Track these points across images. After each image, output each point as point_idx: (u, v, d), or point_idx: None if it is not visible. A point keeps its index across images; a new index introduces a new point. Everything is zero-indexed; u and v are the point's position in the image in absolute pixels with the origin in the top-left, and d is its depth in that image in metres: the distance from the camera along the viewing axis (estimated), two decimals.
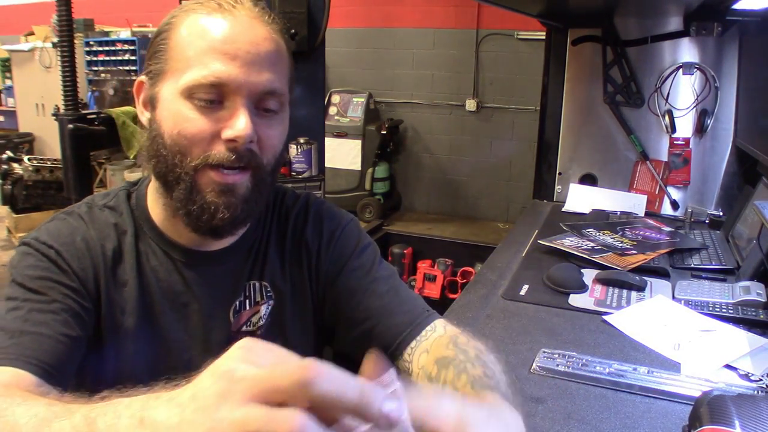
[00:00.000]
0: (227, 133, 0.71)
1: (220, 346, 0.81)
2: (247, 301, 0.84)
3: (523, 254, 1.65)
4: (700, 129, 2.07)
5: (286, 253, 0.87)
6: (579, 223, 1.83)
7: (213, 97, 0.71)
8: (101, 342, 0.78)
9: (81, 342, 0.73)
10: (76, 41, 2.11)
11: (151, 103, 0.76)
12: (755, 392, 0.96)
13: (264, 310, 0.84)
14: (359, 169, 4.74)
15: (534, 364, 1.04)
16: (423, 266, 2.66)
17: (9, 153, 4.34)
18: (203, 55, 0.71)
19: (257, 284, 0.85)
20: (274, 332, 0.85)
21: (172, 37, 0.73)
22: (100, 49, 5.12)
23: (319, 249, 0.88)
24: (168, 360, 0.80)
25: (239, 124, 0.70)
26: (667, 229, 1.81)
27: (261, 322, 0.84)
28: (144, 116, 0.78)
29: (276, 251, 0.87)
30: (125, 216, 0.82)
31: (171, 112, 0.73)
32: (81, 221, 0.80)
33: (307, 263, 0.87)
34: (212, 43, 0.71)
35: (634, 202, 2.10)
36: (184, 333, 0.81)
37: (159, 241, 0.81)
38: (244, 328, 0.83)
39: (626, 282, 1.39)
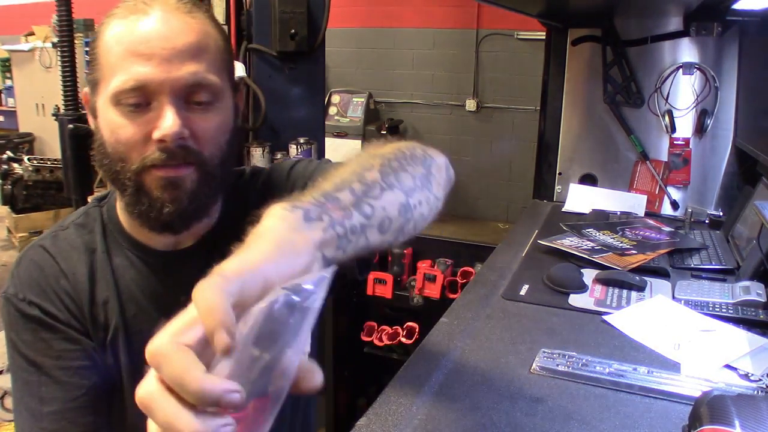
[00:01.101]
0: (155, 134, 0.71)
1: None
2: None
3: (523, 254, 1.65)
4: (700, 129, 2.07)
5: (247, 229, 0.88)
6: (579, 223, 1.83)
7: (139, 101, 0.71)
8: (102, 348, 0.79)
9: (98, 383, 0.77)
10: (76, 41, 2.10)
11: (93, 113, 0.77)
12: (755, 392, 0.96)
13: None
14: None
15: (534, 364, 1.04)
16: (423, 266, 2.65)
17: (9, 153, 4.34)
18: (122, 60, 0.71)
19: None
20: None
21: (99, 45, 0.74)
22: None
23: (265, 203, 0.89)
24: None
25: (165, 122, 0.70)
26: (667, 229, 1.81)
27: None
28: (93, 126, 0.78)
29: (240, 230, 0.88)
30: (95, 232, 0.82)
31: (106, 120, 0.73)
32: (47, 256, 0.80)
33: None
34: (128, 46, 0.71)
35: (634, 202, 2.10)
36: None
37: (133, 249, 0.82)
38: None
39: (626, 282, 1.39)
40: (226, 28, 2.19)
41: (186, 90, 0.72)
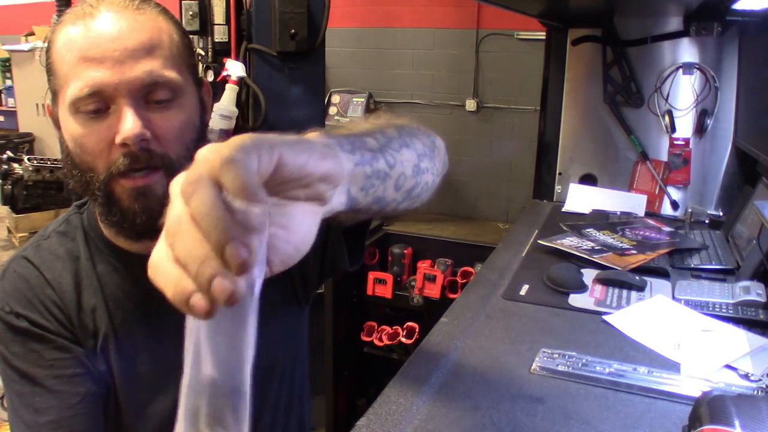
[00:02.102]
0: (117, 139, 0.69)
1: None
2: None
3: (523, 254, 1.65)
4: (700, 129, 2.07)
5: None
6: (579, 223, 1.83)
7: (97, 107, 0.69)
8: (97, 347, 0.79)
9: (94, 389, 0.77)
10: None
11: (56, 125, 0.76)
12: (755, 392, 0.96)
13: None
14: None
15: (534, 364, 1.04)
16: (423, 266, 2.65)
17: (9, 153, 4.34)
18: (75, 68, 0.69)
19: None
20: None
21: (52, 54, 0.73)
22: None
23: None
24: (157, 366, 0.79)
25: (124, 126, 0.68)
26: (667, 229, 1.81)
27: None
28: (59, 137, 0.77)
29: None
30: (78, 239, 0.81)
31: (68, 132, 0.72)
32: (30, 267, 0.79)
33: None
34: (79, 52, 0.69)
35: (634, 202, 2.10)
36: (166, 336, 0.79)
37: (115, 255, 0.81)
38: None
39: (626, 282, 1.39)
40: (225, 28, 2.19)
41: (143, 90, 0.70)
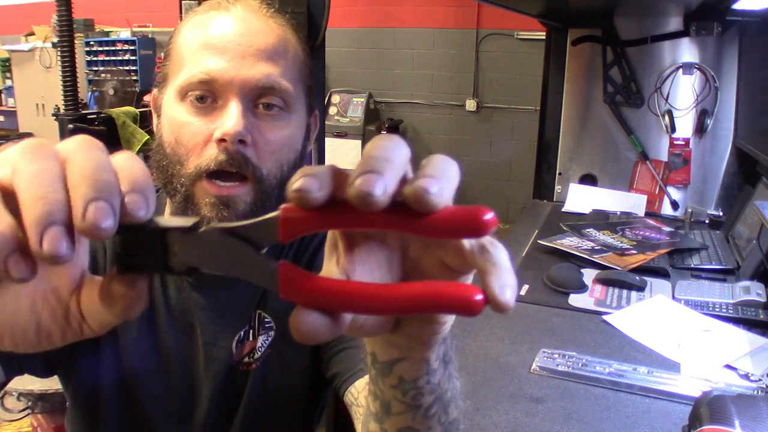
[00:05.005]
0: (216, 133, 0.65)
1: (219, 376, 0.75)
2: (251, 332, 0.78)
3: (523, 254, 1.65)
4: (700, 129, 2.07)
5: None
6: (579, 223, 1.83)
7: (205, 96, 0.67)
8: (99, 352, 0.74)
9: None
10: (76, 41, 2.10)
11: (157, 112, 0.73)
12: (755, 392, 0.96)
13: (261, 341, 0.78)
14: None
15: (534, 364, 1.04)
16: None
17: None
18: (195, 53, 0.68)
19: (262, 314, 0.79)
20: (273, 365, 0.78)
21: (174, 41, 0.71)
22: (100, 49, 5.13)
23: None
24: (169, 380, 0.76)
25: (227, 121, 0.65)
26: (667, 229, 1.81)
27: (257, 355, 0.78)
28: (154, 126, 0.74)
29: None
30: None
31: (168, 117, 0.69)
32: None
33: None
34: (203, 39, 0.68)
35: (634, 202, 2.10)
36: (187, 355, 0.76)
37: None
38: (245, 359, 0.77)
39: (626, 282, 1.39)
40: None
41: (256, 92, 0.67)
